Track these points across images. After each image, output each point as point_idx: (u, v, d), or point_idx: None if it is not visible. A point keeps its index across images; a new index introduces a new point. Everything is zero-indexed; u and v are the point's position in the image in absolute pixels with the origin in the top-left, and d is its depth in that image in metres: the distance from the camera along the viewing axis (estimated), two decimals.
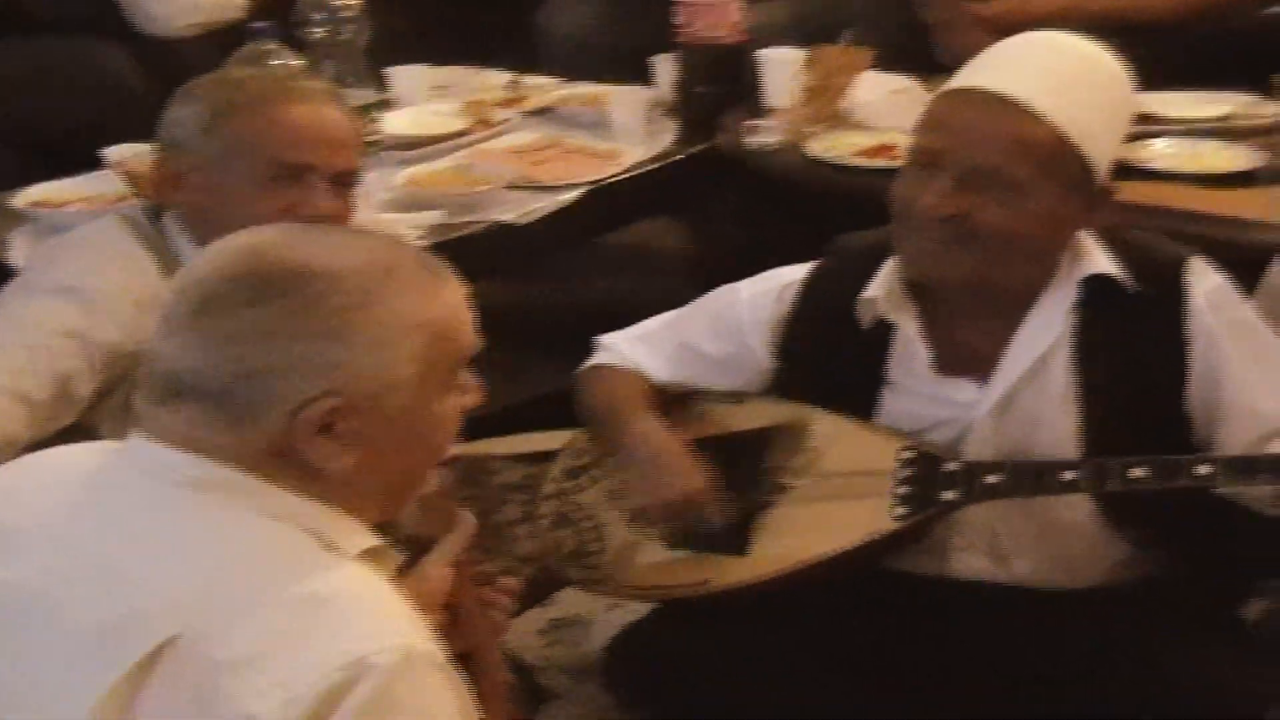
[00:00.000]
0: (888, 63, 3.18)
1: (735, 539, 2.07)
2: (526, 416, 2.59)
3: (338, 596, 1.25)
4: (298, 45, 3.00)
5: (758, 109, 3.13)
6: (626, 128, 3.14)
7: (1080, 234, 2.02)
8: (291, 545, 1.28)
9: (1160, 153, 2.76)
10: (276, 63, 2.76)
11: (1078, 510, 2.02)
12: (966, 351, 2.04)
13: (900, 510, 1.99)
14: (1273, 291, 2.12)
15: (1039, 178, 1.92)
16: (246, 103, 2.09)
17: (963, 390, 2.04)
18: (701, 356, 2.19)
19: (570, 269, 3.49)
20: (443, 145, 3.09)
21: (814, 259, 2.17)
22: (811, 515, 2.05)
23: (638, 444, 2.12)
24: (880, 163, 2.79)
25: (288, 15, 3.11)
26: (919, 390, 2.05)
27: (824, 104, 3.07)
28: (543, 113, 3.32)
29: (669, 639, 2.13)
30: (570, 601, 2.71)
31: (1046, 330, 2.01)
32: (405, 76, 3.35)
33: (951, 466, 1.99)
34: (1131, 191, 2.33)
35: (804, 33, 3.34)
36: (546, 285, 3.63)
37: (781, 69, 3.14)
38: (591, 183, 2.95)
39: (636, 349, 2.22)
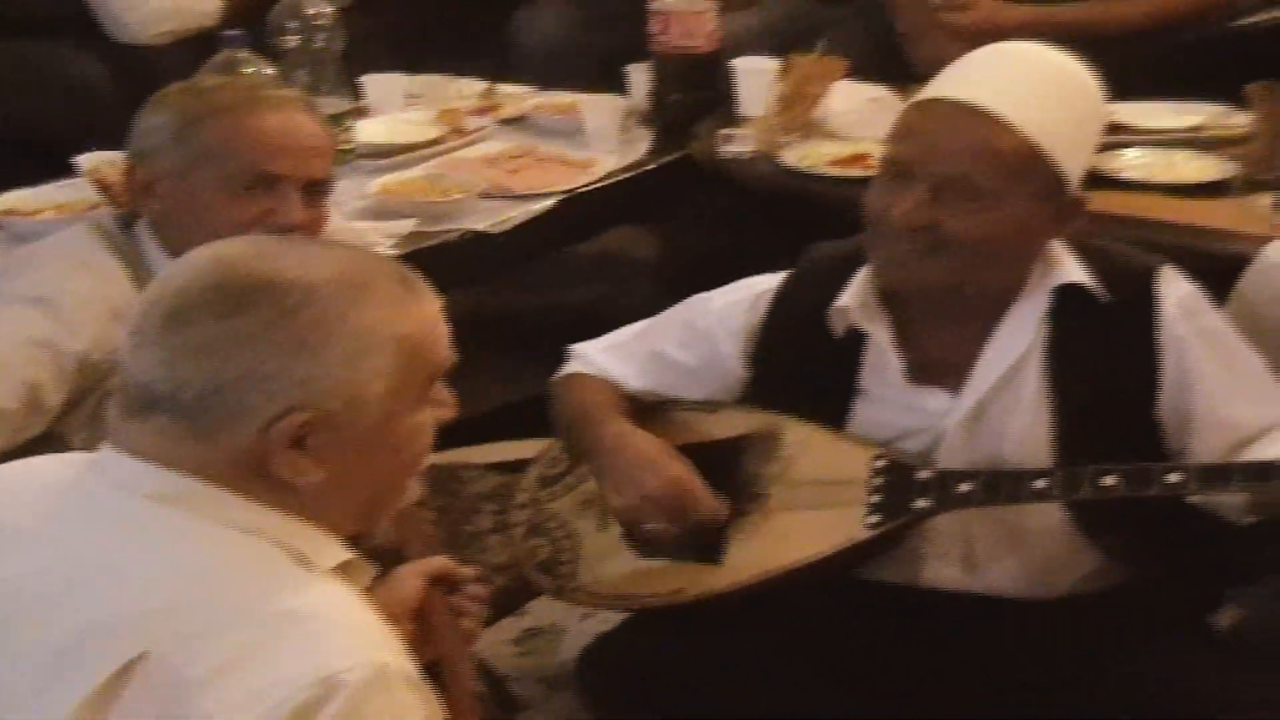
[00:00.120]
0: (861, 72, 3.19)
1: (708, 548, 2.07)
2: (499, 425, 2.60)
3: (309, 612, 1.24)
4: (271, 53, 2.99)
5: (732, 118, 3.14)
6: (600, 136, 3.14)
7: (1052, 243, 2.02)
8: (263, 560, 1.28)
9: (1132, 163, 2.77)
10: (249, 71, 2.75)
11: (1050, 518, 2.02)
12: (939, 360, 2.04)
13: (873, 519, 2.00)
14: (1244, 300, 2.13)
15: (1010, 187, 1.92)
16: (218, 111, 2.09)
17: (935, 399, 2.04)
18: (674, 365, 2.19)
19: (543, 278, 3.50)
20: (416, 154, 3.09)
21: (787, 268, 2.17)
22: (784, 524, 2.05)
23: (612, 446, 2.11)
24: (854, 172, 2.79)
25: (261, 23, 3.10)
26: (891, 399, 2.06)
27: (798, 113, 3.07)
28: (517, 121, 3.32)
29: (642, 648, 2.12)
30: (543, 611, 2.71)
31: (1018, 339, 2.01)
32: (379, 85, 3.35)
33: (924, 475, 1.99)
34: (1103, 201, 2.34)
35: (778, 42, 3.35)
36: (520, 294, 3.63)
37: (755, 78, 3.14)
38: (565, 191, 2.95)
39: (609, 358, 2.22)
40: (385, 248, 2.64)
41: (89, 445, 1.42)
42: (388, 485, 1.38)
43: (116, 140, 2.29)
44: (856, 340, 2.06)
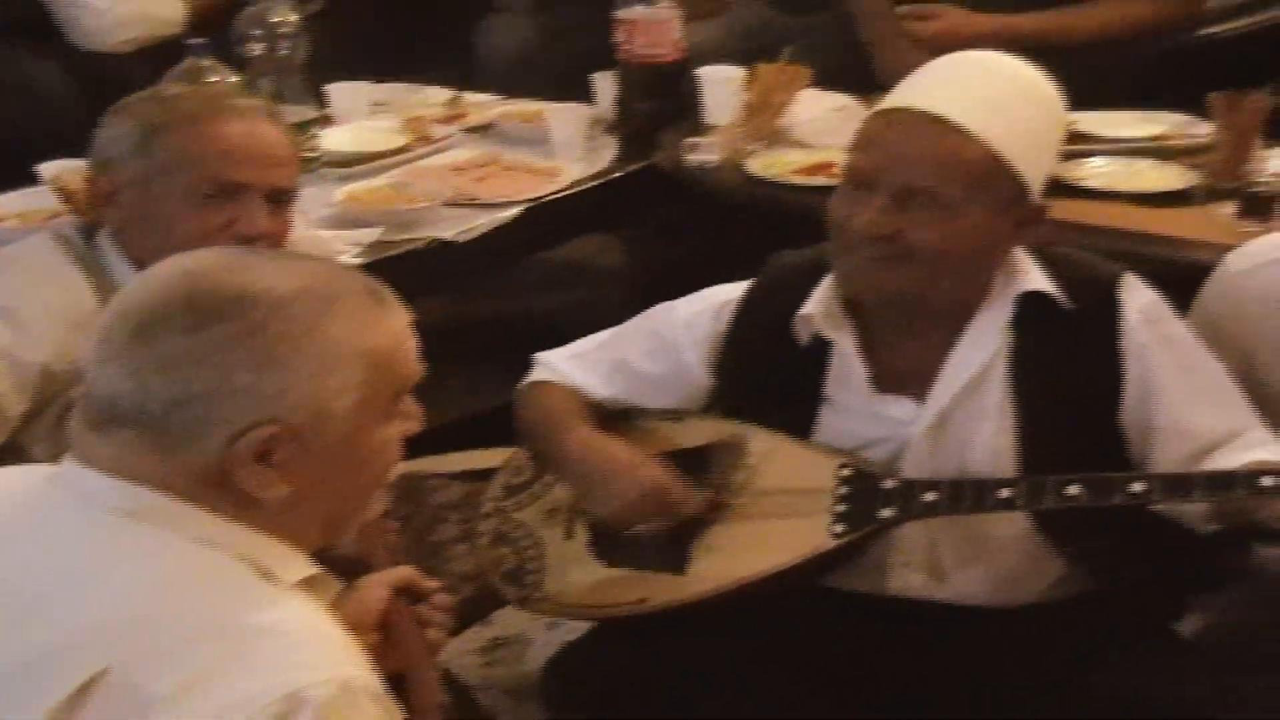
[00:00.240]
0: (827, 81, 3.20)
1: (673, 557, 2.07)
2: (464, 434, 2.59)
3: (273, 628, 1.23)
4: (235, 62, 2.98)
5: (697, 127, 3.14)
6: (566, 145, 3.15)
7: (1015, 251, 2.03)
8: (227, 575, 1.27)
9: (1095, 171, 2.79)
10: (213, 79, 2.74)
11: (1015, 527, 2.02)
12: (903, 369, 2.04)
13: (838, 528, 2.00)
14: (1206, 309, 2.14)
15: (971, 196, 1.93)
16: (180, 120, 2.08)
17: (900, 407, 2.04)
18: (639, 374, 2.18)
19: (509, 286, 3.50)
20: (382, 162, 3.08)
21: (752, 276, 2.17)
22: (750, 533, 2.05)
23: (578, 454, 2.11)
24: (819, 180, 2.80)
25: (225, 31, 3.10)
26: (857, 407, 2.06)
27: (763, 122, 3.08)
28: (482, 129, 3.32)
29: (608, 658, 2.12)
30: (509, 620, 2.71)
31: (982, 347, 2.02)
32: (344, 93, 3.34)
33: (889, 484, 2.00)
34: (1066, 210, 2.35)
35: (743, 51, 3.36)
36: (485, 302, 3.63)
37: (721, 87, 3.15)
38: (531, 200, 2.95)
39: (574, 366, 2.22)
40: (350, 256, 2.63)
41: (51, 456, 1.41)
42: (353, 498, 1.38)
43: (79, 148, 2.28)
44: (821, 348, 2.07)
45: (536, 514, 2.19)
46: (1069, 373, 2.01)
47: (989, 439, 2.01)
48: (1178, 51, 3.41)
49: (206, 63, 2.78)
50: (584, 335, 2.27)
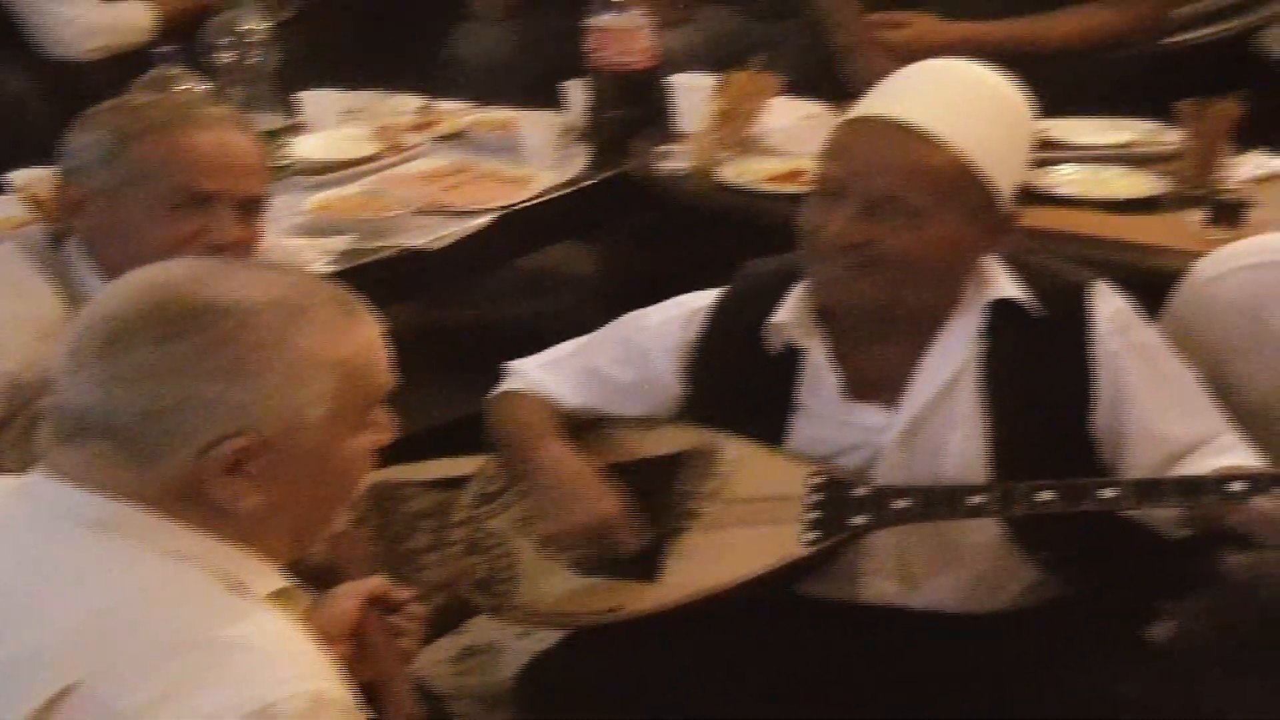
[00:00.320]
0: (798, 89, 3.21)
1: (645, 565, 2.07)
2: (436, 442, 2.58)
3: (244, 642, 1.23)
4: (205, 70, 2.98)
5: (668, 134, 3.15)
6: (538, 153, 3.15)
7: (985, 259, 2.03)
8: (197, 588, 1.26)
9: (1065, 178, 2.80)
10: (182, 88, 2.74)
11: (986, 534, 2.03)
12: (875, 377, 2.05)
13: (810, 535, 2.00)
14: (1176, 316, 2.15)
15: (941, 204, 1.93)
16: (149, 129, 2.07)
17: (871, 415, 2.05)
18: (610, 382, 2.18)
19: (481, 294, 3.49)
20: (353, 170, 3.08)
21: (724, 284, 2.17)
22: (722, 541, 2.05)
23: (547, 469, 2.11)
24: (790, 188, 2.80)
25: (194, 39, 3.09)
26: (828, 415, 2.06)
27: (734, 129, 3.08)
28: (454, 138, 3.32)
29: (581, 666, 2.12)
30: (481, 629, 2.70)
31: (953, 355, 2.02)
32: (315, 101, 3.34)
33: (861, 492, 2.00)
34: (1036, 217, 2.35)
35: (714, 59, 3.36)
36: (457, 310, 3.62)
37: (692, 94, 3.15)
38: (502, 208, 2.95)
39: (545, 375, 2.22)
40: (321, 264, 2.63)
41: (19, 467, 1.40)
42: (324, 509, 1.37)
43: (47, 157, 2.27)
44: (793, 356, 2.07)
45: (509, 523, 2.19)
46: (1040, 380, 2.02)
47: (961, 446, 2.02)
48: (1147, 59, 3.43)
49: (175, 71, 2.78)
50: (556, 343, 2.27)
